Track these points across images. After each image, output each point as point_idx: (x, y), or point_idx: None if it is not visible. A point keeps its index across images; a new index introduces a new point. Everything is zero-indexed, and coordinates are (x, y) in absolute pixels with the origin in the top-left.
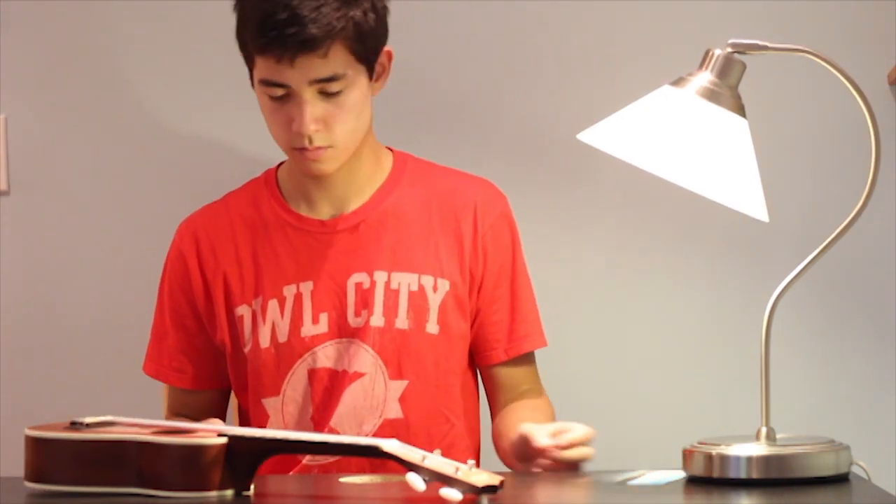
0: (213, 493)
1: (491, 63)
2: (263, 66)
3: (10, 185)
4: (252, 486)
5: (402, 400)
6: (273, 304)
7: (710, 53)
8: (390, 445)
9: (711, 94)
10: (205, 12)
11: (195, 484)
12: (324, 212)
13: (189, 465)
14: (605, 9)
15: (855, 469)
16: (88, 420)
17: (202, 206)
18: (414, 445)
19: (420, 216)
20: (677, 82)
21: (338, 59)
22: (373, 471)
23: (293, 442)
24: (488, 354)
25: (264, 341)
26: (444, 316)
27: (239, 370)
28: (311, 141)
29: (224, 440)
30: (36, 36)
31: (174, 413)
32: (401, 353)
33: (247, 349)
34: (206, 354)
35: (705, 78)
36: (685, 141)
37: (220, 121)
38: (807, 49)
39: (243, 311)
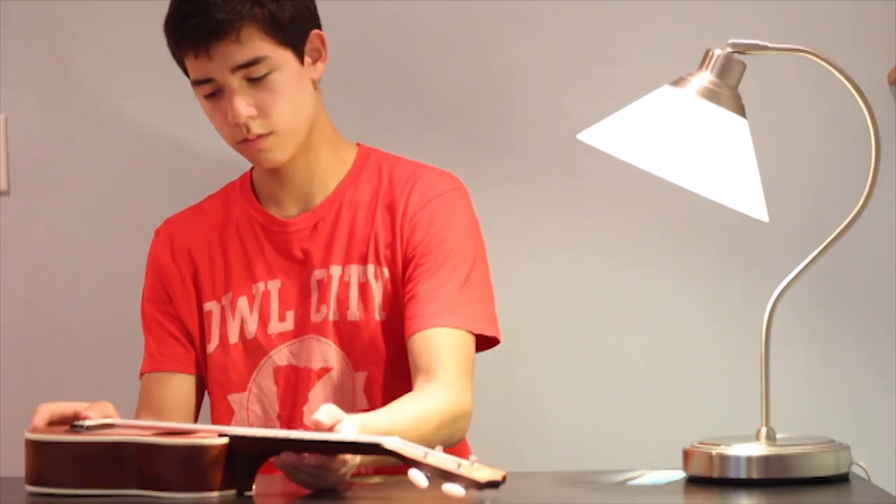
0: (215, 494)
1: (490, 63)
2: (189, 67)
3: (10, 185)
4: (254, 487)
5: (366, 391)
6: (242, 301)
7: (710, 53)
8: (392, 443)
9: (711, 94)
10: None
11: (197, 484)
12: (291, 210)
13: (190, 466)
14: (606, 9)
15: (855, 469)
16: (88, 423)
17: (182, 210)
18: None
19: (370, 207)
20: (677, 82)
21: (253, 43)
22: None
23: (294, 441)
24: (404, 329)
25: (233, 337)
26: (387, 302)
27: (203, 365)
28: (248, 129)
29: (225, 440)
30: (36, 36)
31: (145, 409)
32: (355, 344)
33: (213, 345)
34: (191, 339)
35: (705, 78)
36: (685, 141)
37: None
38: (807, 49)
39: (212, 306)
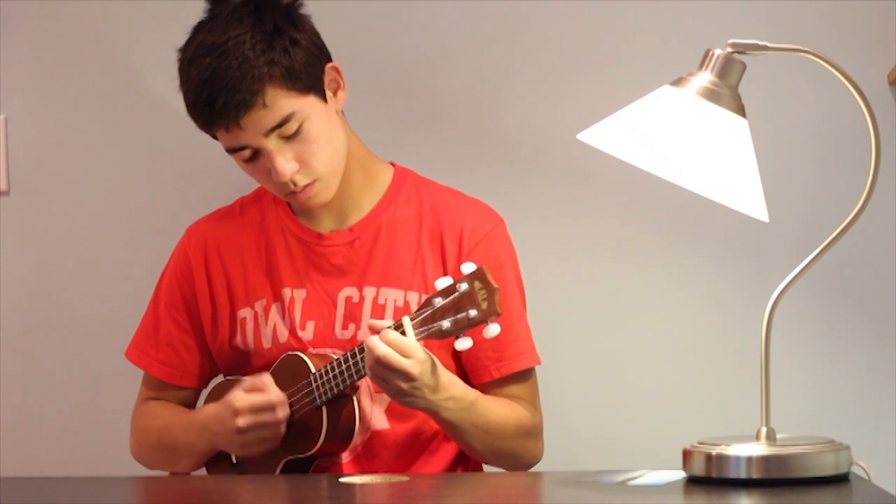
0: None
1: (490, 63)
2: (221, 138)
3: (10, 185)
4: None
5: (388, 411)
6: (275, 307)
7: (710, 53)
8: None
9: (711, 94)
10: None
11: None
12: (325, 224)
13: None
14: (605, 9)
15: (855, 469)
16: None
17: (214, 211)
18: (400, 455)
19: (411, 233)
20: (677, 82)
21: (279, 103)
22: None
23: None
24: (479, 373)
25: (266, 342)
26: None
27: (239, 371)
28: (295, 184)
29: None
30: (36, 36)
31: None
32: None
33: (251, 350)
34: (192, 353)
35: (705, 78)
36: (685, 141)
37: None
38: (807, 49)
39: (245, 313)
